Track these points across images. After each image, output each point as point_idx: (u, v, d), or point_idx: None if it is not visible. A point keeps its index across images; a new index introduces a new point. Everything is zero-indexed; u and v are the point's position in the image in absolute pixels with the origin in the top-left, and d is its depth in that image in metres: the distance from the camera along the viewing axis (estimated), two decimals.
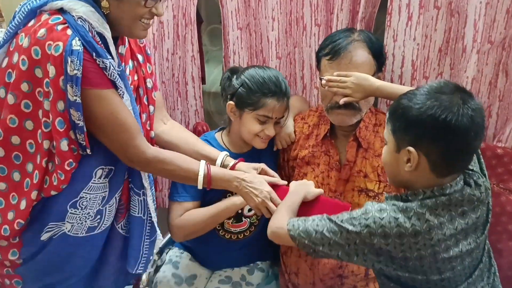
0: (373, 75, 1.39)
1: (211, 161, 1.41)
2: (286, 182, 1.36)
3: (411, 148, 0.99)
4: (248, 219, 1.58)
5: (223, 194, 1.50)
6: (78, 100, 1.12)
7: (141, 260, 1.40)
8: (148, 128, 1.40)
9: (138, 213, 1.36)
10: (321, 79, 1.41)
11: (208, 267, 1.66)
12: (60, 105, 1.13)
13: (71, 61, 1.09)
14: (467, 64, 1.54)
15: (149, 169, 1.28)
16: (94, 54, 1.13)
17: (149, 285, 1.61)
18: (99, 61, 1.14)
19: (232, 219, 1.55)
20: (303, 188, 1.30)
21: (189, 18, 1.78)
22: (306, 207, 1.26)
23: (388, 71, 1.66)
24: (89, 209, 1.26)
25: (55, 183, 1.19)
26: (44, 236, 1.25)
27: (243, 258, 1.66)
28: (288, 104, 1.50)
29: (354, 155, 1.45)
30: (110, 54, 1.18)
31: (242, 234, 1.59)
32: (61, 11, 1.14)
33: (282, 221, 1.13)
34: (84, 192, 1.23)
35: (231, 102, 1.48)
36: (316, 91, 1.71)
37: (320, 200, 1.28)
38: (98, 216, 1.29)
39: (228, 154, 1.46)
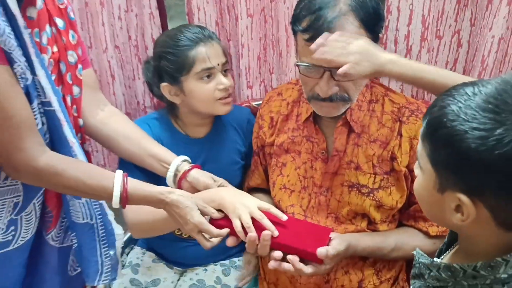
0: None
1: (161, 164, 1.16)
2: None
3: (463, 198, 0.63)
4: None
5: None
6: None
7: (103, 270, 1.14)
8: (76, 115, 1.09)
9: (83, 219, 1.08)
10: (297, 66, 1.06)
11: (176, 267, 1.42)
12: None
13: None
14: (493, 19, 1.22)
15: (42, 182, 0.98)
16: None
17: None
18: None
19: None
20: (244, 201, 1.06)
21: None
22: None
23: (391, 29, 1.33)
24: None
25: None
26: None
27: (216, 253, 1.39)
28: (222, 46, 1.26)
29: (345, 143, 1.14)
30: (7, 14, 0.85)
31: None
32: None
33: None
34: None
35: (163, 83, 1.25)
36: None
37: (291, 222, 0.99)
38: (12, 228, 1.01)
39: (187, 159, 1.20)
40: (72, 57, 1.06)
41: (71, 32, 1.06)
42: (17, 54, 0.87)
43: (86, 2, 1.43)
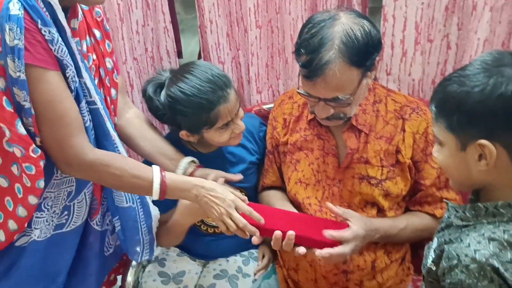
0: (359, 84, 1.15)
1: (171, 162, 1.27)
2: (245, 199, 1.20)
3: (484, 142, 0.79)
4: None
5: None
6: (23, 76, 0.94)
7: (144, 247, 1.28)
8: (113, 114, 1.23)
9: (127, 203, 1.21)
10: (299, 93, 1.19)
11: (200, 259, 1.54)
12: (1, 83, 0.96)
13: (9, 29, 0.91)
14: (477, 23, 1.36)
15: (91, 175, 1.08)
16: (39, 22, 0.93)
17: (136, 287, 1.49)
18: (45, 31, 0.94)
19: None
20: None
21: None
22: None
23: (387, 35, 1.46)
24: (55, 207, 1.13)
25: (28, 184, 1.01)
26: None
27: (237, 246, 1.53)
28: (235, 91, 1.30)
29: (357, 143, 1.27)
30: (57, 25, 0.98)
31: None
32: None
33: None
34: (47, 192, 1.09)
35: (182, 132, 1.32)
36: None
37: (311, 219, 1.11)
38: (66, 213, 1.15)
39: (194, 160, 1.31)
40: (109, 63, 1.19)
41: (106, 41, 1.20)
42: (68, 60, 1.00)
43: (107, 18, 1.54)
